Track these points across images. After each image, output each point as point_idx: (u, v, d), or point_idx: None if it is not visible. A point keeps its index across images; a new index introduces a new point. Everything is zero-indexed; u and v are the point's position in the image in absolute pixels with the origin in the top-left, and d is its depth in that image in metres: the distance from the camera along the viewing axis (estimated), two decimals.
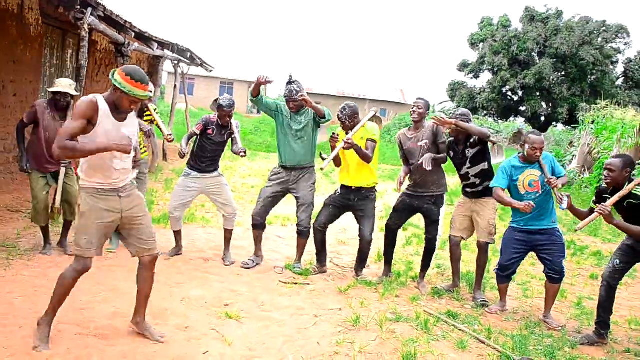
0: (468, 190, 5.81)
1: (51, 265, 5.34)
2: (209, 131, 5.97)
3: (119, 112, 3.65)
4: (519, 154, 5.35)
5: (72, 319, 4.13)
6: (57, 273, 5.00)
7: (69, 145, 3.40)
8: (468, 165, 5.71)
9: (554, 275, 5.22)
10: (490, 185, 5.47)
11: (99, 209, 3.67)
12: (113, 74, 3.58)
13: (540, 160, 5.13)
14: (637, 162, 4.87)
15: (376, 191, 6.06)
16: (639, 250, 4.77)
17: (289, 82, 5.97)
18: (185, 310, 4.50)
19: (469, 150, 5.70)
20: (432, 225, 5.87)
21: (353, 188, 5.88)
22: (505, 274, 5.42)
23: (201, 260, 6.07)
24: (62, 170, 5.69)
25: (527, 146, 5.17)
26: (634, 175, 4.72)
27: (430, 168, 5.53)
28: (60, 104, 5.63)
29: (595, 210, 4.53)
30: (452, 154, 5.86)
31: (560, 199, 4.87)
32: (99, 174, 3.67)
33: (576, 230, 4.81)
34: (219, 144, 6.07)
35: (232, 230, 6.24)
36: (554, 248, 5.21)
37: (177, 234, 6.20)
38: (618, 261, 4.88)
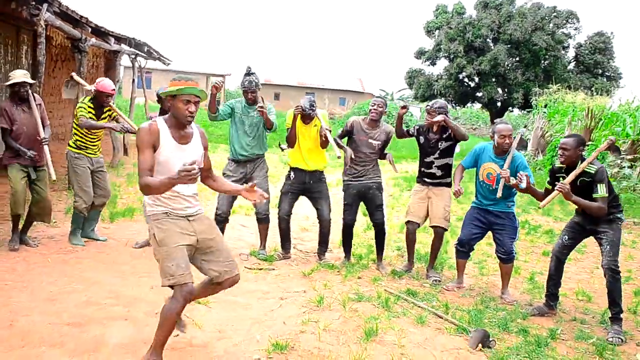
0: (427, 179, 6.06)
1: (19, 260, 5.41)
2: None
3: (180, 132, 3.52)
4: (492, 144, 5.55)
5: (44, 310, 4.23)
6: (25, 267, 5.17)
7: (153, 184, 3.24)
8: (436, 155, 5.95)
9: (502, 256, 5.52)
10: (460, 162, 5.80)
11: (175, 232, 3.46)
12: (159, 92, 3.63)
13: (510, 154, 5.33)
14: (587, 142, 5.19)
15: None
16: (586, 227, 5.09)
17: (248, 74, 6.12)
18: (154, 298, 4.64)
19: (442, 143, 5.93)
20: (377, 209, 6.16)
21: (307, 171, 6.12)
22: (464, 249, 5.72)
23: None
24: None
25: (496, 136, 5.43)
26: (585, 154, 5.02)
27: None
28: (22, 95, 5.68)
29: (556, 188, 4.78)
30: (422, 140, 6.08)
31: (520, 178, 5.10)
32: (168, 200, 3.50)
33: (539, 208, 5.10)
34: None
35: None
36: (505, 231, 5.51)
37: None
38: (567, 237, 5.20)
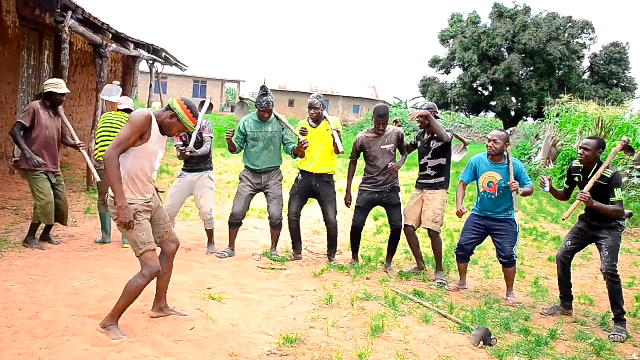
0: (422, 181, 6.27)
1: (41, 256, 5.67)
2: (183, 137, 6.22)
3: (162, 132, 4.01)
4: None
5: (67, 303, 4.47)
6: (48, 263, 5.41)
7: (115, 165, 3.73)
8: (429, 156, 6.16)
9: (503, 260, 5.71)
10: (459, 177, 5.96)
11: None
12: (172, 102, 3.97)
13: (510, 163, 5.56)
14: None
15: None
16: (588, 233, 5.29)
17: (264, 94, 6.24)
18: (171, 294, 4.83)
19: (434, 143, 6.14)
20: (395, 209, 6.29)
21: (314, 174, 6.32)
22: (463, 253, 5.91)
23: (183, 250, 6.40)
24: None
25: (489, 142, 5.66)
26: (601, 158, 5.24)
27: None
28: (58, 102, 5.99)
29: (577, 198, 5.00)
30: (419, 144, 6.31)
31: (543, 183, 5.41)
32: (141, 186, 3.99)
33: (563, 220, 5.29)
34: (195, 145, 6.20)
35: (212, 230, 6.59)
36: (505, 236, 5.69)
37: None
38: (570, 242, 5.41)
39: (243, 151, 6.45)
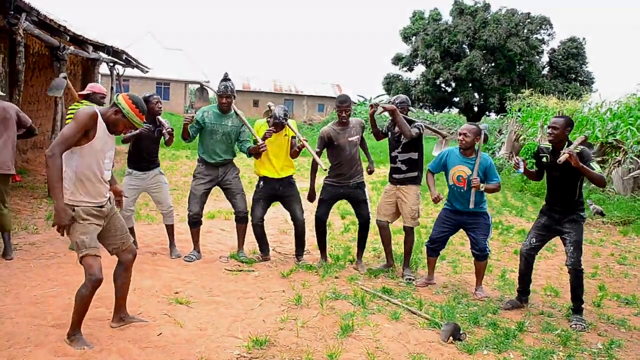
0: (394, 176, 6.27)
1: (1, 266, 5.49)
2: (145, 130, 6.08)
3: (109, 129, 3.90)
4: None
5: (28, 313, 4.34)
6: (8, 272, 5.27)
7: (57, 162, 3.61)
8: (399, 150, 6.17)
9: (477, 253, 5.74)
10: (427, 166, 6.01)
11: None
12: (117, 98, 3.86)
13: (478, 158, 5.59)
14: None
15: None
16: (552, 228, 5.33)
17: (224, 79, 6.21)
18: (137, 299, 4.77)
19: (403, 137, 6.12)
20: (361, 205, 6.30)
21: (277, 178, 6.27)
22: (434, 246, 5.94)
23: (149, 254, 6.31)
24: None
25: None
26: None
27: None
28: None
29: (562, 153, 4.87)
30: (389, 135, 6.31)
31: (517, 164, 5.41)
32: (91, 188, 3.85)
33: (559, 162, 4.91)
34: (152, 140, 6.19)
35: (172, 225, 6.49)
36: (478, 229, 5.73)
37: (130, 231, 6.39)
38: (534, 240, 5.42)
39: (199, 143, 6.36)
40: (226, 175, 6.33)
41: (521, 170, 5.43)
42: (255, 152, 6.08)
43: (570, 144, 5.08)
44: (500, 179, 5.92)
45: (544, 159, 5.31)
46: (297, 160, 6.71)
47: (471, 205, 5.56)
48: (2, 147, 5.70)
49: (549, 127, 5.21)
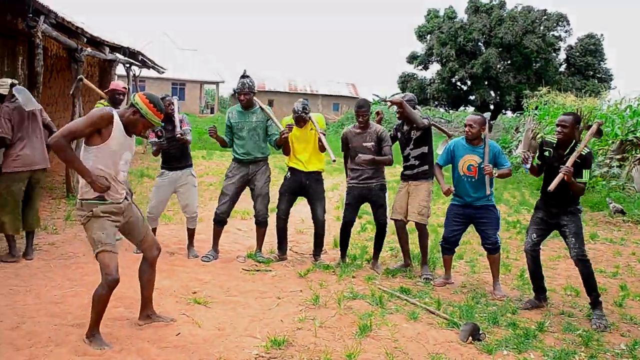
0: (406, 172, 6.27)
1: (21, 266, 5.55)
2: (159, 133, 6.12)
3: (127, 131, 3.91)
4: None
5: (49, 313, 4.38)
6: (28, 272, 5.31)
7: (65, 144, 3.63)
8: (411, 146, 6.17)
9: (488, 246, 5.72)
10: (436, 161, 5.99)
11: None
12: (134, 98, 3.87)
13: (486, 146, 5.56)
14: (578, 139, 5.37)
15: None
16: (550, 221, 5.30)
17: (242, 76, 6.25)
18: (156, 299, 4.76)
19: (413, 132, 6.15)
20: (380, 209, 6.28)
21: (304, 172, 6.29)
22: (448, 245, 5.91)
23: (167, 254, 6.33)
24: None
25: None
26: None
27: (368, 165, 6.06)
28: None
29: (560, 172, 4.85)
30: (399, 135, 6.30)
31: (526, 159, 5.35)
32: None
33: (549, 191, 4.94)
34: (174, 140, 6.17)
35: (194, 229, 6.52)
36: (487, 222, 5.70)
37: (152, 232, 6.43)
38: (535, 235, 5.39)
39: (233, 144, 6.40)
40: (256, 175, 6.34)
41: (527, 165, 5.40)
42: (284, 143, 6.14)
43: (577, 143, 5.05)
44: (514, 173, 5.85)
45: (546, 153, 5.26)
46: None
47: (488, 191, 5.53)
48: (37, 142, 5.80)
49: (557, 125, 5.16)
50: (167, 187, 6.29)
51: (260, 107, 6.30)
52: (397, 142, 6.39)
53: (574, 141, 5.08)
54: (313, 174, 6.34)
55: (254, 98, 6.29)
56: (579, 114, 15.80)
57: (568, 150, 5.08)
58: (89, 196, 3.81)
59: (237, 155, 6.33)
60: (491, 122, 5.93)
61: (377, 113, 6.54)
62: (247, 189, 6.50)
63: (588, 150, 5.02)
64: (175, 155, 6.25)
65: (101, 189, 3.73)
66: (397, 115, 6.26)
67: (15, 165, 5.66)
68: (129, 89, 16.20)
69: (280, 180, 6.74)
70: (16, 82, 5.88)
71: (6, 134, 5.58)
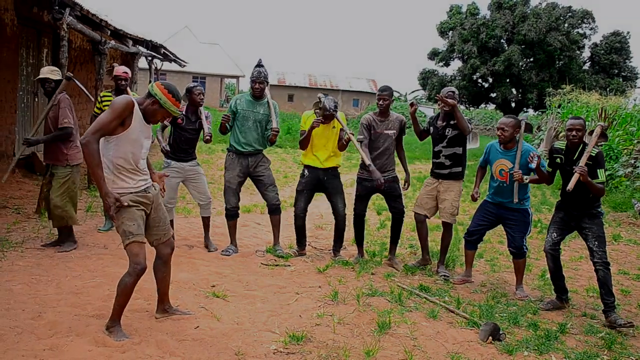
0: (436, 170, 6.18)
1: (43, 256, 5.60)
2: (179, 121, 6.15)
3: (146, 119, 3.90)
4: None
5: (70, 303, 4.41)
6: (50, 262, 5.35)
7: (94, 149, 3.61)
8: (444, 144, 6.06)
9: (513, 250, 5.65)
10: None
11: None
12: (152, 88, 3.87)
13: (518, 150, 5.46)
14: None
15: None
16: (570, 222, 5.25)
17: (258, 65, 6.24)
18: (174, 292, 4.79)
19: (449, 130, 6.03)
20: (395, 200, 6.25)
21: (321, 168, 6.25)
22: (472, 238, 5.87)
23: (186, 247, 6.36)
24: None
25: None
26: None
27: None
28: (46, 89, 5.92)
29: (575, 172, 4.84)
30: (432, 129, 6.21)
31: (531, 158, 5.25)
32: (130, 175, 3.87)
33: (568, 190, 4.87)
34: (192, 132, 6.27)
35: (209, 217, 6.53)
36: (516, 226, 5.63)
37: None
38: (555, 234, 5.33)
39: (231, 132, 6.37)
40: (257, 166, 6.33)
41: (533, 165, 5.23)
42: (306, 137, 6.13)
43: (585, 144, 5.00)
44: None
45: (558, 160, 5.21)
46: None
47: (515, 200, 5.45)
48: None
49: (569, 130, 5.10)
50: (175, 177, 6.27)
51: (268, 102, 6.28)
52: (430, 135, 6.28)
53: (581, 145, 5.05)
54: (330, 170, 6.30)
55: (266, 89, 6.27)
56: (603, 112, 15.65)
57: (577, 154, 5.06)
58: (114, 187, 3.82)
59: (237, 147, 6.28)
60: (529, 122, 5.70)
61: (412, 104, 6.33)
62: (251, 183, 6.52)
63: (597, 151, 4.97)
64: (184, 148, 6.28)
65: (108, 208, 3.74)
66: (442, 110, 6.05)
67: (80, 157, 5.91)
68: (150, 81, 16.32)
69: (284, 173, 6.71)
70: (71, 74, 6.07)
71: (72, 124, 5.81)
